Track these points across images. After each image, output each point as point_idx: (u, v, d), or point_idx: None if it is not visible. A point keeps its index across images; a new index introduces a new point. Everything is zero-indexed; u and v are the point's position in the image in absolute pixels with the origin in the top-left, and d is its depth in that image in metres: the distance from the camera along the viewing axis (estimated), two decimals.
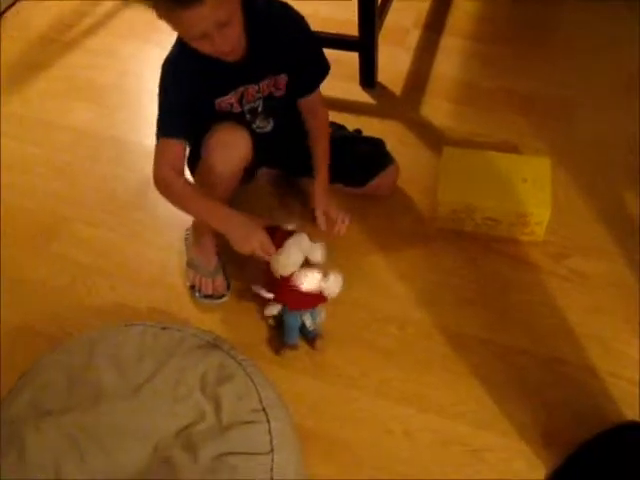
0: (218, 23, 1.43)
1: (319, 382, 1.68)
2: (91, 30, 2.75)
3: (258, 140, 1.74)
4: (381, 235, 1.96)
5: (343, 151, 1.91)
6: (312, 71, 1.80)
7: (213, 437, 1.34)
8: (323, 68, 1.82)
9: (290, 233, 1.64)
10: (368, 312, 1.79)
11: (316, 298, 1.65)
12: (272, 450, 1.35)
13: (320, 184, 1.81)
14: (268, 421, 1.38)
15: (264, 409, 1.40)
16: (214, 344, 1.52)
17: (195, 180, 1.77)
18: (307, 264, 1.63)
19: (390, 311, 1.80)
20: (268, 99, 1.75)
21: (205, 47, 1.50)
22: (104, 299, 1.89)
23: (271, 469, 1.33)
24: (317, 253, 1.64)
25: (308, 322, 1.71)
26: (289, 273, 1.60)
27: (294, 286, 1.60)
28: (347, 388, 1.66)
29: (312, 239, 1.65)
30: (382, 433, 1.59)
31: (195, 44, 1.50)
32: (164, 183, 1.61)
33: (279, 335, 1.76)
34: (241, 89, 1.69)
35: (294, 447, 1.43)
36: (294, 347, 1.74)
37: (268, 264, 1.61)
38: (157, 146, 1.63)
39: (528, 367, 1.66)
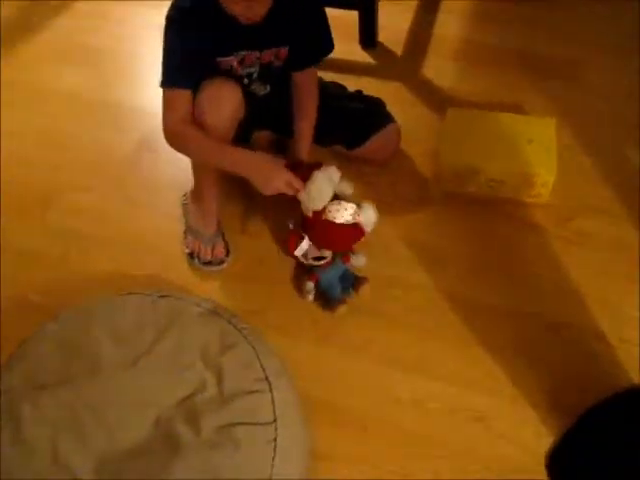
0: None
1: (323, 350, 1.65)
2: None
3: (254, 102, 1.72)
4: (383, 199, 1.90)
5: (341, 109, 1.88)
6: (313, 46, 1.77)
7: (215, 407, 1.32)
8: (325, 46, 1.79)
9: (315, 165, 1.59)
10: (372, 278, 1.75)
11: (353, 232, 1.61)
12: (275, 420, 1.32)
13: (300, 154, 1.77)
14: (271, 390, 1.36)
15: (267, 378, 1.38)
16: (214, 312, 1.49)
17: None
18: (336, 199, 1.59)
19: (394, 277, 1.76)
20: (265, 66, 1.72)
21: (238, 3, 1.49)
22: (101, 268, 1.85)
23: (274, 439, 1.31)
24: (346, 185, 1.60)
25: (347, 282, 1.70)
26: (321, 207, 1.56)
27: (328, 221, 1.56)
28: (352, 356, 1.64)
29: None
30: (389, 401, 1.56)
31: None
32: (177, 137, 1.60)
33: (324, 304, 1.72)
34: (243, 53, 1.66)
35: (298, 417, 1.41)
36: (343, 301, 1.70)
37: (299, 203, 1.58)
38: (164, 97, 1.60)
39: (535, 332, 1.64)
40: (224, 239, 1.86)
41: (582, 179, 1.91)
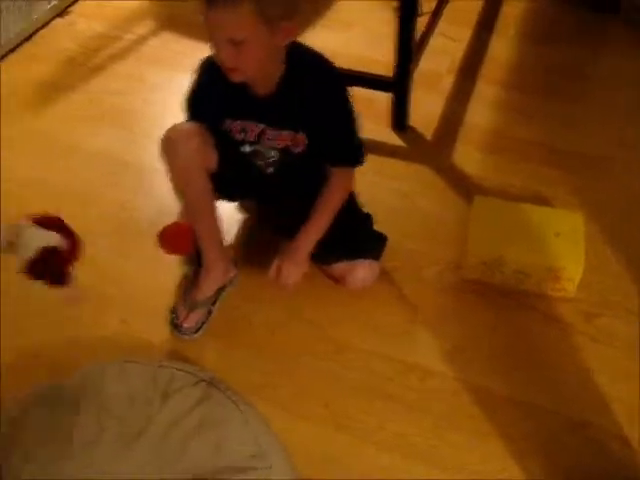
0: (230, 39, 1.38)
1: (331, 431, 1.59)
2: (119, 56, 2.73)
3: (254, 174, 1.72)
4: (405, 284, 1.88)
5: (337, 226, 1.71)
6: (338, 148, 1.65)
7: None
8: (352, 152, 1.66)
9: None
10: (389, 362, 1.71)
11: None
12: None
13: (300, 240, 1.68)
14: (268, 467, 1.30)
15: (263, 455, 1.31)
16: (211, 383, 1.43)
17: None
18: None
19: (412, 362, 1.71)
20: (285, 152, 1.65)
21: (214, 54, 1.46)
22: (112, 330, 1.81)
23: None
24: None
25: None
26: None
27: None
28: (361, 440, 1.57)
29: None
30: None
31: (212, 49, 1.46)
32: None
33: None
34: (262, 126, 1.62)
35: None
36: None
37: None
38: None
39: (556, 429, 1.58)
40: (209, 314, 1.79)
41: (609, 276, 1.87)
